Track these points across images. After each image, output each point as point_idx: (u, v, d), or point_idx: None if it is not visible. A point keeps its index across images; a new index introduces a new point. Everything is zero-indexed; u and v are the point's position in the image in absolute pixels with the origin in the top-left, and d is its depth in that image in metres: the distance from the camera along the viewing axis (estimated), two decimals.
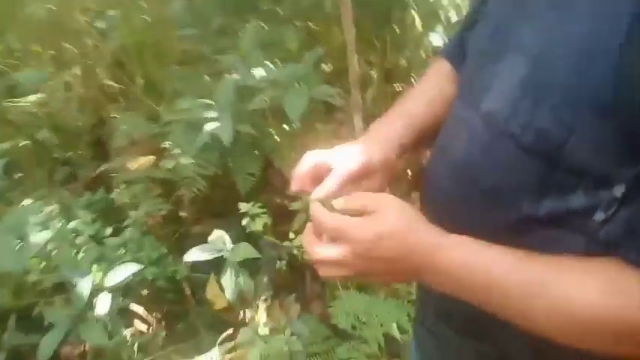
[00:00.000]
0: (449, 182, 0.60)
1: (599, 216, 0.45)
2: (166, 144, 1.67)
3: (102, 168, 1.89)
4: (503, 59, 0.53)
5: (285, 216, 2.07)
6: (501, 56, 0.54)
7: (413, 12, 2.05)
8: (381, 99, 2.20)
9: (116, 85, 2.39)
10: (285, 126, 2.16)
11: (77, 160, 2.24)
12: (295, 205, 1.77)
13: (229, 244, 1.53)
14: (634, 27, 0.40)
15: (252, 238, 1.65)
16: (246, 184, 1.74)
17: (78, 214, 1.73)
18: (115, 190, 1.79)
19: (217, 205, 2.38)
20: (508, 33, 0.54)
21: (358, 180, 0.64)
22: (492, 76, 0.54)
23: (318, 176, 0.63)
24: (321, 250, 0.53)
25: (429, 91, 0.73)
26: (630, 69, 0.40)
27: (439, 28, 1.77)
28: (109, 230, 1.80)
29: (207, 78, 1.95)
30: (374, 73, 2.43)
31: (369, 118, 1.63)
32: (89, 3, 2.47)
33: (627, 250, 0.44)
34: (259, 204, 1.58)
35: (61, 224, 1.61)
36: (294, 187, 0.64)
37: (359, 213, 0.53)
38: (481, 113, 0.55)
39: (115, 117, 2.08)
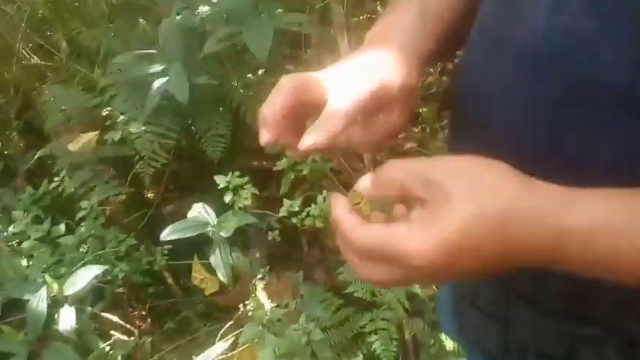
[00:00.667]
0: (520, 84, 0.37)
1: None
2: (108, 112, 1.35)
3: (38, 155, 1.56)
4: None
5: (268, 178, 1.80)
6: None
7: None
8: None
9: (38, 58, 2.01)
10: (249, 75, 1.85)
11: (10, 152, 1.89)
12: (282, 164, 1.49)
13: (214, 218, 1.27)
14: None
15: (234, 209, 1.38)
16: (217, 149, 1.46)
17: (20, 214, 1.42)
18: (56, 179, 1.47)
19: (186, 179, 2.09)
20: None
21: (369, 116, 0.41)
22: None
23: (301, 114, 0.40)
24: (368, 272, 0.33)
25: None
26: None
27: None
28: (62, 228, 1.50)
29: (144, 26, 1.60)
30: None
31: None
32: None
33: None
34: (237, 172, 1.30)
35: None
36: (265, 136, 0.39)
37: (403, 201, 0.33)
38: (524, 53, 0.37)
39: (43, 93, 1.73)
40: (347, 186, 1.85)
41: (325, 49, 2.16)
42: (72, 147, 1.42)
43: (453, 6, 0.46)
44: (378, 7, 2.49)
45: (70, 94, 1.62)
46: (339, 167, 1.93)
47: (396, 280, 0.33)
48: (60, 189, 1.40)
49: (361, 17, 2.12)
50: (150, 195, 1.90)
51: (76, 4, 2.10)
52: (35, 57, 2.05)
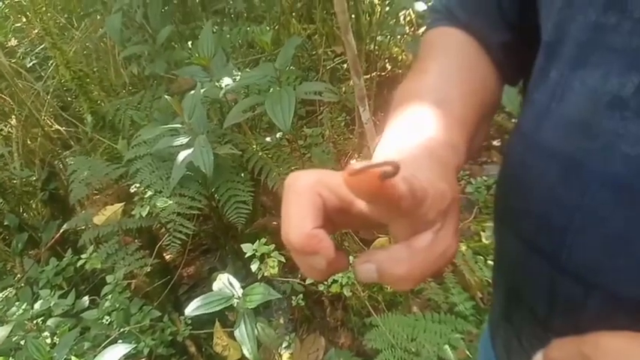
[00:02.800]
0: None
1: None
2: (133, 183, 1.37)
3: (63, 229, 1.57)
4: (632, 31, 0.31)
5: None
6: (623, 27, 0.32)
7: None
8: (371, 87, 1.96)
9: (62, 127, 2.07)
10: (267, 138, 1.88)
11: (34, 223, 1.91)
12: None
13: (239, 289, 1.25)
14: None
15: (259, 279, 1.37)
16: (240, 217, 1.46)
17: (46, 293, 1.41)
18: (83, 252, 1.47)
19: (207, 241, 2.09)
20: None
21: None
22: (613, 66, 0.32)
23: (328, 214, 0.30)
24: None
25: (457, 72, 0.44)
26: None
27: None
28: (85, 301, 1.49)
29: (168, 99, 1.65)
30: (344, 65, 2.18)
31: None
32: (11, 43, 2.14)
33: None
34: (264, 239, 1.30)
35: (23, 309, 1.29)
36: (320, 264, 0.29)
37: None
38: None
39: (67, 164, 1.77)
40: (367, 243, 1.83)
41: (338, 108, 2.21)
42: (97, 220, 1.43)
43: (474, 110, 0.43)
44: (387, 64, 2.56)
45: (95, 165, 1.65)
46: None
47: None
48: (86, 265, 1.40)
49: (372, 74, 2.17)
50: (170, 261, 1.90)
51: (98, 74, 2.18)
52: (60, 127, 2.11)
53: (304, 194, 0.29)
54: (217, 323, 1.59)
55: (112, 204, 1.49)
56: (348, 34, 0.81)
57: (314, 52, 2.22)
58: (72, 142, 2.07)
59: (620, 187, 0.32)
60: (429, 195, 0.29)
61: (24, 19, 2.39)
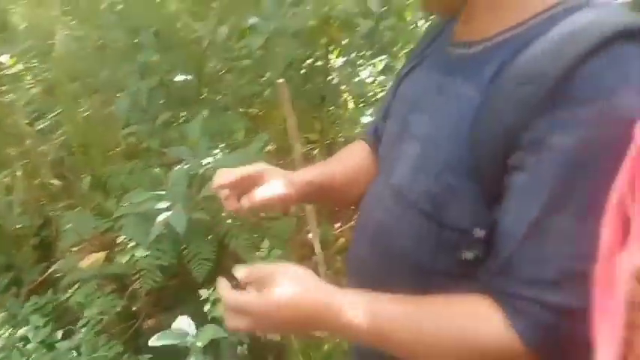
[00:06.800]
0: (368, 250, 0.72)
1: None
2: (117, 236, 1.67)
3: (50, 270, 1.84)
4: (405, 143, 0.68)
5: None
6: (403, 141, 0.69)
7: (345, 94, 2.26)
8: None
9: (60, 183, 2.37)
10: None
11: (21, 264, 2.15)
12: None
13: (193, 329, 1.52)
14: (476, 117, 0.57)
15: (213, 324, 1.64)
16: (203, 271, 1.76)
17: (27, 320, 1.66)
18: (65, 291, 1.73)
19: (170, 295, 2.34)
20: (406, 124, 0.70)
21: (274, 203, 0.79)
22: (398, 156, 0.69)
23: (243, 183, 0.80)
24: (233, 321, 0.60)
25: (347, 158, 0.90)
26: (476, 145, 0.56)
27: (369, 112, 1.96)
28: (60, 333, 1.72)
29: (156, 170, 2.01)
30: (315, 151, 2.59)
31: None
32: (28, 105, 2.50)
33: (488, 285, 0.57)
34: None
35: (9, 333, 1.53)
36: (216, 183, 0.79)
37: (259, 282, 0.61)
38: (391, 186, 0.68)
39: (61, 216, 2.06)
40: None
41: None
42: (83, 264, 1.71)
43: (343, 170, 0.86)
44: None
45: (85, 218, 1.95)
46: None
47: (247, 327, 0.58)
48: (68, 301, 1.66)
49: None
50: (137, 308, 2.14)
51: (100, 141, 2.53)
52: (58, 181, 2.42)
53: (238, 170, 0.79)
54: None
55: (96, 252, 1.78)
56: (296, 141, 1.18)
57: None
58: (66, 197, 2.36)
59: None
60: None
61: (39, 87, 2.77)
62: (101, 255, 1.75)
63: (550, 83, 0.49)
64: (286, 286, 0.57)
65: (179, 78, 2.09)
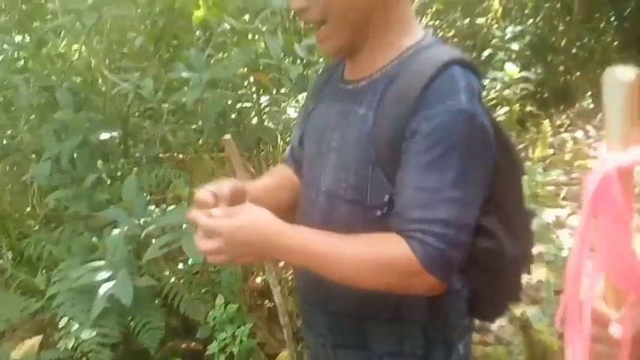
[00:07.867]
0: None
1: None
2: (53, 316, 1.51)
3: None
4: (324, 157, 0.90)
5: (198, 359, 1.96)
6: (323, 156, 0.90)
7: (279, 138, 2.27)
8: None
9: None
10: (180, 266, 2.12)
11: None
12: (211, 348, 1.70)
13: None
14: (373, 126, 0.81)
15: None
16: (154, 341, 1.64)
17: None
18: None
19: None
20: (321, 143, 0.91)
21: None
22: (322, 169, 0.90)
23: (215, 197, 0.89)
24: (205, 244, 0.76)
25: (271, 177, 1.07)
26: (376, 144, 0.81)
27: None
28: None
29: (86, 236, 1.86)
30: None
31: None
32: None
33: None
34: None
35: None
36: (201, 196, 0.83)
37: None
38: (323, 192, 0.89)
39: None
40: (271, 357, 2.04)
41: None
42: (15, 355, 1.52)
43: (265, 185, 1.00)
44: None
45: (11, 301, 1.75)
46: (264, 340, 2.15)
47: (216, 249, 0.74)
48: None
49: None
50: None
51: (14, 210, 2.30)
52: None
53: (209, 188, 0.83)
54: None
55: (29, 337, 1.59)
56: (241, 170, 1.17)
57: None
58: None
59: None
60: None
61: None
62: (35, 340, 1.57)
63: (414, 97, 0.77)
64: (250, 212, 0.77)
65: (104, 136, 1.97)
